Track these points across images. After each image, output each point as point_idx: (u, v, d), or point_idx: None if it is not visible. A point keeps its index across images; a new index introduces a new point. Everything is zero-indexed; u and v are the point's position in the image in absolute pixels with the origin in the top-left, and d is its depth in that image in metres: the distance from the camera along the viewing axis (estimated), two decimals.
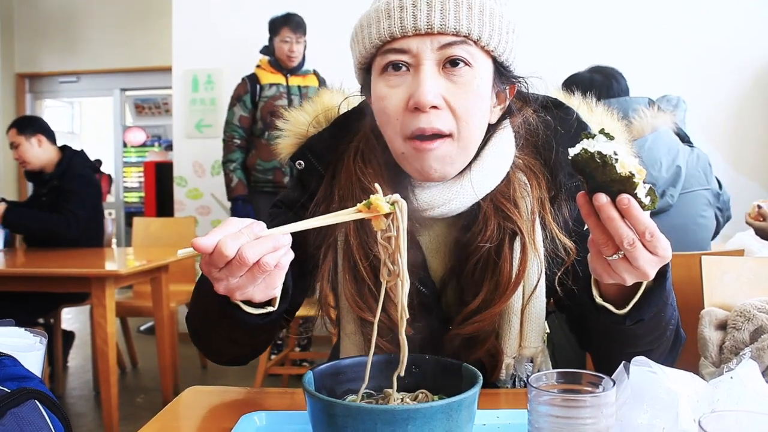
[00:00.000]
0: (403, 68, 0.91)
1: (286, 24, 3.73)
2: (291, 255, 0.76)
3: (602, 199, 0.74)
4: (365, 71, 0.99)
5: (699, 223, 2.29)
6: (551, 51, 3.81)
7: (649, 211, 0.73)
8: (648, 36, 4.12)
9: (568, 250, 0.98)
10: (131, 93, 7.46)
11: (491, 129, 0.99)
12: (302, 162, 1.06)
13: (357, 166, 1.01)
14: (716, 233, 2.42)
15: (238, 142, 3.79)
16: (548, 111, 1.04)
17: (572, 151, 0.74)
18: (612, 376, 0.71)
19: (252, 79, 3.81)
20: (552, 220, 0.99)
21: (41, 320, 3.59)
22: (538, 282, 0.99)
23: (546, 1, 4.16)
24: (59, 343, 3.61)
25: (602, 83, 2.34)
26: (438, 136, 0.90)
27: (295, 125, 1.09)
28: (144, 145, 7.81)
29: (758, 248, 2.35)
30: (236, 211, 3.77)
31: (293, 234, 0.75)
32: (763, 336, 1.20)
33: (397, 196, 0.76)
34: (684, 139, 2.33)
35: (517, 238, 0.98)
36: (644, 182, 0.73)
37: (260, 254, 0.71)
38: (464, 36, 0.88)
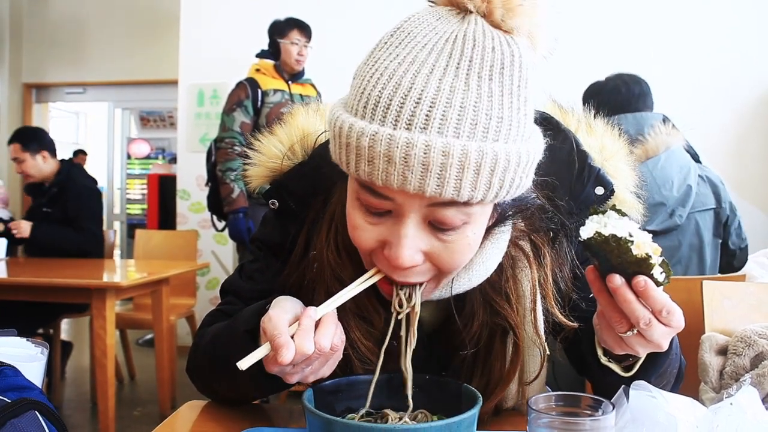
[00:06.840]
0: (383, 212, 0.74)
1: (297, 26, 3.55)
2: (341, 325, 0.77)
3: (617, 281, 0.70)
4: None
5: (705, 244, 2.29)
6: (557, 68, 3.82)
7: (662, 287, 0.71)
8: (651, 58, 4.14)
9: (570, 322, 0.87)
10: (136, 105, 7.51)
11: (485, 232, 0.81)
12: (276, 202, 0.96)
13: (330, 252, 0.87)
14: (729, 262, 2.37)
15: (238, 149, 3.35)
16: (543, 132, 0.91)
17: (584, 233, 0.71)
18: (611, 400, 0.71)
19: (252, 84, 3.47)
20: (554, 303, 0.86)
21: (40, 330, 3.59)
22: (540, 370, 0.91)
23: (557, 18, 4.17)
24: (58, 354, 3.61)
25: (620, 85, 2.37)
26: None
27: (268, 155, 0.97)
28: (148, 157, 7.85)
29: (760, 274, 2.34)
30: (236, 225, 3.41)
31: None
32: (763, 362, 1.20)
33: None
34: (694, 157, 2.33)
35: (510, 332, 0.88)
36: (660, 255, 0.70)
37: (331, 340, 0.73)
38: (463, 202, 0.69)
